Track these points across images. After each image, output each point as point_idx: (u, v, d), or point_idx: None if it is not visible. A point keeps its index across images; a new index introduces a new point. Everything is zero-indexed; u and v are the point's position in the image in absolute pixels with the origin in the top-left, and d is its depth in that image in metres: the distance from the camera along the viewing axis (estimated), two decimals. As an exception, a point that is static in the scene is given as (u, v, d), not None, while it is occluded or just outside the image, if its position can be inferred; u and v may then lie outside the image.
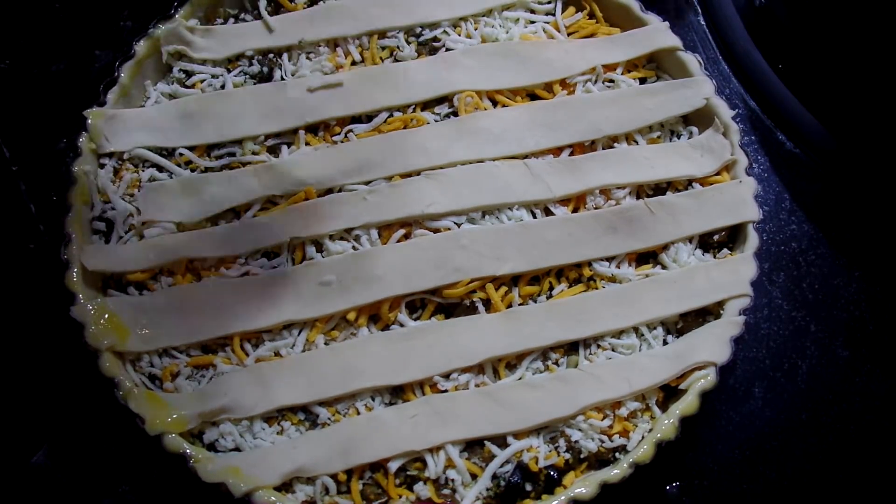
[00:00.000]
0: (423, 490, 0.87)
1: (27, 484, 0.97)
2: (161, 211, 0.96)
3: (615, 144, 1.03)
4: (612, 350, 0.94)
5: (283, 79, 1.03)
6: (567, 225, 0.97)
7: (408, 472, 0.89)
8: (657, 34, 1.06)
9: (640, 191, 1.01)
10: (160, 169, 1.00)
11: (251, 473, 0.85)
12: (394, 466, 0.87)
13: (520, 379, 0.92)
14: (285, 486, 0.87)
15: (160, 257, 0.94)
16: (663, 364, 0.92)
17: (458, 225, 0.97)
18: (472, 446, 0.90)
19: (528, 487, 0.88)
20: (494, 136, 1.00)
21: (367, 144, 0.99)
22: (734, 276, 0.96)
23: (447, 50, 1.05)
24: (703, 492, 1.00)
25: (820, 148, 1.16)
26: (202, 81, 1.04)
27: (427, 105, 1.03)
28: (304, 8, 1.07)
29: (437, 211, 0.96)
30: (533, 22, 1.08)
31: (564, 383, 0.91)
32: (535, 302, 0.96)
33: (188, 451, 0.86)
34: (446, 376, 0.92)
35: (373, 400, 0.91)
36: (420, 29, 1.06)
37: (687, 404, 0.90)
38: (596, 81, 1.05)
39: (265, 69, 1.04)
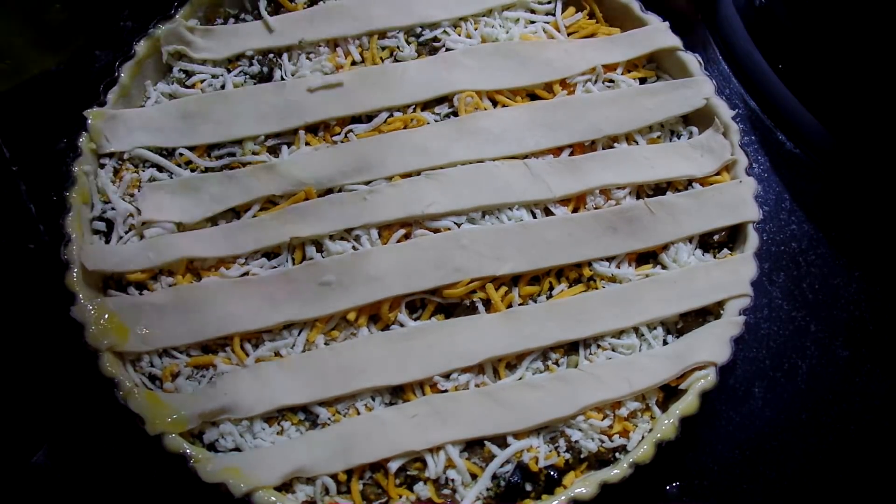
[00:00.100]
0: (423, 490, 0.87)
1: (27, 484, 0.97)
2: (161, 211, 0.96)
3: (615, 144, 1.03)
4: (612, 350, 0.94)
5: (283, 79, 1.03)
6: (567, 225, 0.97)
7: (408, 472, 0.89)
8: (657, 34, 1.06)
9: (640, 191, 1.01)
10: (160, 169, 1.00)
11: (251, 473, 0.85)
12: (394, 466, 0.88)
13: (520, 379, 0.92)
14: (285, 486, 0.87)
15: (160, 257, 0.94)
16: (663, 364, 0.92)
17: (458, 225, 0.97)
18: (472, 446, 0.90)
19: (528, 487, 0.88)
20: (494, 136, 1.00)
21: (367, 144, 0.99)
22: (734, 276, 0.96)
23: (447, 50, 1.05)
24: (703, 492, 1.00)
25: (820, 148, 1.16)
26: (202, 81, 1.04)
27: (427, 105, 1.03)
28: (304, 8, 1.07)
29: (437, 211, 0.96)
30: (533, 22, 1.08)
31: (564, 383, 0.91)
32: (535, 302, 0.96)
33: (188, 451, 0.86)
34: (446, 376, 0.92)
35: (373, 400, 0.91)
36: (420, 29, 1.06)
37: (687, 404, 0.90)
38: (596, 81, 1.05)
39: (265, 69, 1.04)
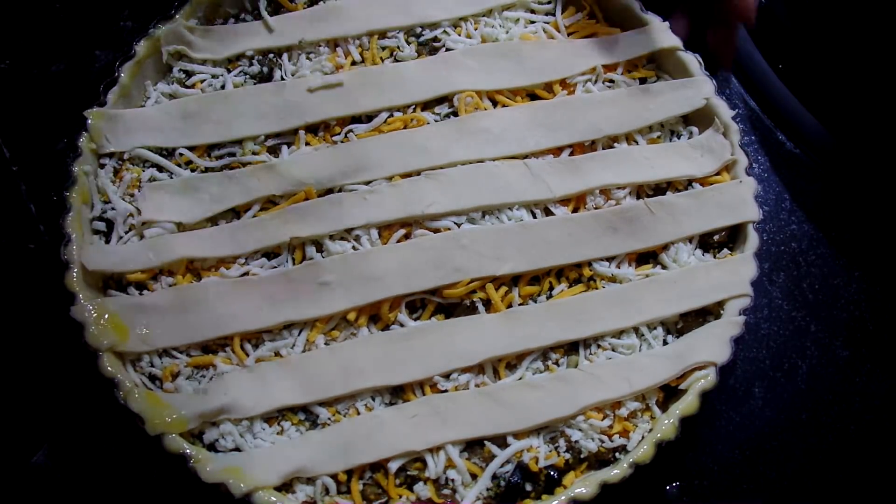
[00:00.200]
0: (424, 490, 0.87)
1: (27, 484, 0.97)
2: (161, 211, 0.96)
3: (615, 144, 1.03)
4: (612, 350, 0.94)
5: (283, 79, 1.03)
6: (567, 225, 0.97)
7: (408, 472, 0.89)
8: (657, 34, 1.06)
9: (640, 191, 1.01)
10: (160, 169, 1.00)
11: (251, 473, 0.85)
12: (394, 466, 0.88)
13: (520, 379, 0.92)
14: (285, 486, 0.87)
15: (160, 257, 0.94)
16: (663, 364, 0.92)
17: (458, 225, 0.97)
18: (472, 446, 0.90)
19: (528, 487, 0.88)
20: (494, 136, 1.00)
21: (367, 144, 0.99)
22: (734, 276, 0.96)
23: (447, 50, 1.05)
24: (703, 492, 1.00)
25: (820, 148, 1.16)
26: (202, 81, 1.04)
27: (427, 105, 1.03)
28: (304, 8, 1.07)
29: (438, 211, 0.96)
30: (533, 22, 1.08)
31: (564, 383, 0.91)
32: (535, 302, 0.96)
33: (188, 451, 0.86)
34: (446, 376, 0.92)
35: (373, 400, 0.91)
36: (420, 29, 1.06)
37: (687, 404, 0.90)
38: (596, 81, 1.05)
39: (265, 69, 1.04)
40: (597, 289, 0.96)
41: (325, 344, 0.93)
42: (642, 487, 0.91)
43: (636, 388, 0.91)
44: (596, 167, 1.00)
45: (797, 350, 1.07)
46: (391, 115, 1.01)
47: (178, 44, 1.03)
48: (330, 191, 0.98)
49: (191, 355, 0.92)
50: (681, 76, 1.05)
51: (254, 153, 1.00)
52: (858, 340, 1.07)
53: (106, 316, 0.91)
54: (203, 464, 0.85)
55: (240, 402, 0.89)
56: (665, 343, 0.95)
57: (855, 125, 1.16)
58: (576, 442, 0.89)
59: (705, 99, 1.03)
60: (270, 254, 0.97)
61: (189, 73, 1.04)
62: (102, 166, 0.99)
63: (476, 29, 1.06)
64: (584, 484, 0.86)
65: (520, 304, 0.95)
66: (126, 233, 0.97)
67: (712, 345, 0.92)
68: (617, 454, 0.90)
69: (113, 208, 0.97)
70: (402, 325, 0.94)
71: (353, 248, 0.96)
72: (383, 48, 1.05)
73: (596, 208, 0.99)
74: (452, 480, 0.88)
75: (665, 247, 0.98)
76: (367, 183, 0.98)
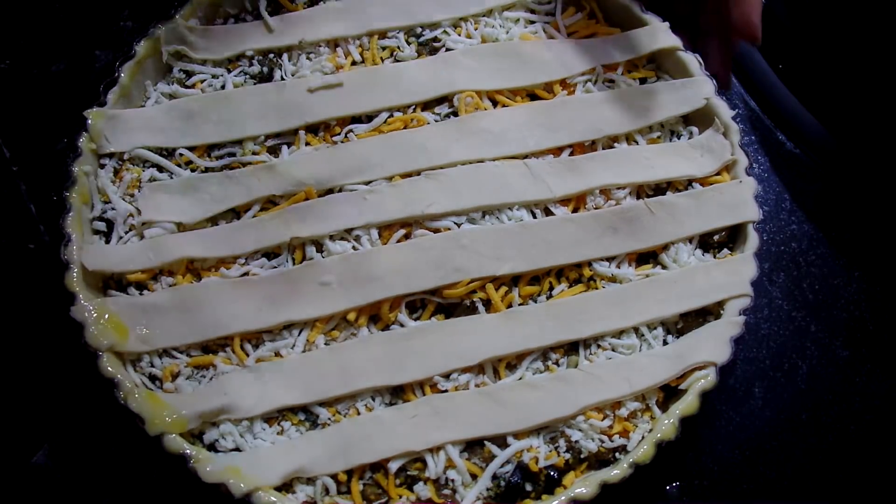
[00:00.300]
0: (424, 490, 0.87)
1: (27, 484, 0.97)
2: (161, 211, 0.96)
3: (615, 144, 1.03)
4: (612, 350, 0.94)
5: (283, 79, 1.03)
6: (567, 225, 0.97)
7: (408, 473, 0.88)
8: (657, 34, 1.06)
9: (641, 191, 1.01)
10: (160, 169, 1.00)
11: (251, 473, 0.85)
12: (394, 466, 0.88)
13: (520, 379, 0.92)
14: (285, 486, 0.87)
15: (160, 257, 0.94)
16: (663, 364, 0.92)
17: (458, 225, 0.97)
18: (472, 446, 0.90)
19: (529, 487, 0.88)
20: (494, 136, 1.00)
21: (367, 144, 0.99)
22: (734, 276, 0.96)
23: (447, 50, 1.05)
24: (703, 492, 1.00)
25: (820, 148, 1.16)
26: (202, 81, 1.04)
27: (427, 105, 1.03)
28: (304, 8, 1.07)
29: (438, 211, 0.96)
30: (533, 22, 1.08)
31: (564, 383, 0.91)
32: (535, 302, 0.96)
33: (188, 451, 0.86)
34: (446, 376, 0.92)
35: (373, 400, 0.91)
36: (420, 29, 1.06)
37: (687, 404, 0.90)
38: (596, 81, 1.05)
39: (265, 69, 1.04)
40: (597, 289, 0.96)
41: (325, 344, 0.93)
42: (642, 487, 0.91)
43: (636, 388, 0.91)
44: (596, 167, 1.00)
45: (797, 350, 1.07)
46: (391, 115, 1.01)
47: (178, 44, 1.03)
48: (330, 191, 0.98)
49: (191, 355, 0.92)
50: (681, 76, 1.05)
51: (254, 153, 1.00)
52: (858, 340, 1.07)
53: (106, 316, 0.91)
54: (203, 464, 0.85)
55: (240, 402, 0.89)
56: (665, 343, 0.95)
57: (855, 125, 1.16)
58: (576, 442, 0.89)
59: (705, 99, 1.03)
60: (270, 254, 0.97)
61: (189, 73, 1.04)
62: (102, 166, 0.99)
63: (476, 29, 1.06)
64: (584, 484, 0.86)
65: (520, 304, 0.95)
66: (126, 233, 0.97)
67: (712, 345, 0.92)
68: (617, 454, 0.90)
69: (113, 208, 0.97)
70: (402, 325, 0.94)
71: (353, 248, 0.96)
72: (383, 48, 1.05)
73: (596, 208, 0.99)
74: (452, 480, 0.88)
75: (665, 247, 0.98)
76: (367, 183, 0.98)
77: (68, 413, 0.99)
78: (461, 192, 0.97)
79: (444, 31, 1.06)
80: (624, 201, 0.99)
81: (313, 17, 1.05)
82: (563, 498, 0.85)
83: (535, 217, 0.98)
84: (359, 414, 0.90)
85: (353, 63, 1.05)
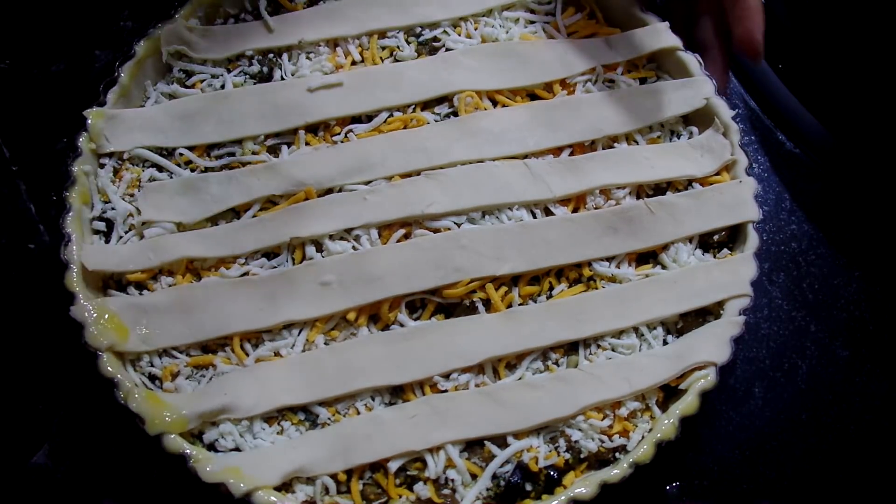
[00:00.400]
0: (423, 490, 0.87)
1: (27, 484, 0.97)
2: (161, 211, 0.96)
3: (615, 144, 1.03)
4: (612, 350, 0.94)
5: (283, 79, 1.03)
6: (567, 225, 0.97)
7: (408, 472, 0.88)
8: (657, 34, 1.06)
9: (640, 191, 1.01)
10: (160, 169, 1.00)
11: (251, 473, 0.85)
12: (394, 466, 0.87)
13: (520, 379, 0.92)
14: (285, 486, 0.87)
15: (160, 257, 0.94)
16: (663, 364, 0.92)
17: (458, 225, 0.97)
18: (472, 446, 0.90)
19: (528, 487, 0.88)
20: (494, 136, 1.00)
21: (367, 144, 0.99)
22: (734, 276, 0.96)
23: (447, 50, 1.05)
24: (703, 492, 1.00)
25: (820, 148, 1.16)
26: (202, 81, 1.04)
27: (427, 105, 1.03)
28: (304, 8, 1.07)
29: (437, 211, 0.96)
30: (533, 22, 1.08)
31: (564, 383, 0.91)
32: (535, 302, 0.96)
33: (188, 451, 0.86)
34: (446, 376, 0.92)
35: (373, 400, 0.91)
36: (420, 29, 1.06)
37: (687, 404, 0.90)
38: (596, 81, 1.05)
39: (265, 69, 1.04)
40: (597, 289, 0.96)
41: (325, 344, 0.93)
42: (642, 487, 0.91)
43: (636, 388, 0.91)
44: (596, 167, 1.00)
45: (797, 350, 1.07)
46: (391, 115, 1.01)
47: (178, 44, 1.03)
48: (330, 191, 0.98)
49: (191, 355, 0.92)
50: (681, 76, 1.05)
51: (254, 153, 1.00)
52: (858, 340, 1.07)
53: (106, 316, 0.91)
54: (203, 464, 0.85)
55: (239, 401, 0.89)
56: (665, 343, 0.95)
57: (855, 125, 1.16)
58: (576, 442, 0.89)
59: (705, 99, 1.02)
60: (270, 254, 0.96)
61: (189, 73, 1.04)
62: (102, 166, 0.99)
63: (476, 29, 1.06)
64: (584, 484, 0.86)
65: (520, 304, 0.95)
66: (126, 233, 0.97)
67: (712, 345, 0.92)
68: (617, 454, 0.90)
69: (113, 208, 0.97)
70: (402, 325, 0.94)
71: (353, 248, 0.96)
72: (383, 48, 1.05)
73: (596, 208, 0.99)
74: (452, 480, 0.88)
75: (665, 247, 0.98)
76: (367, 183, 0.98)
77: (68, 413, 0.99)
78: (461, 192, 0.97)
79: (444, 31, 1.06)
80: (624, 201, 0.99)
81: (313, 17, 1.05)
82: (562, 498, 0.85)
83: (535, 217, 0.98)
84: (358, 414, 0.90)
85: (353, 63, 1.05)
